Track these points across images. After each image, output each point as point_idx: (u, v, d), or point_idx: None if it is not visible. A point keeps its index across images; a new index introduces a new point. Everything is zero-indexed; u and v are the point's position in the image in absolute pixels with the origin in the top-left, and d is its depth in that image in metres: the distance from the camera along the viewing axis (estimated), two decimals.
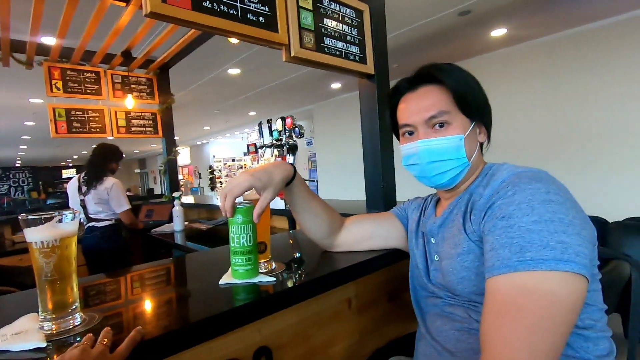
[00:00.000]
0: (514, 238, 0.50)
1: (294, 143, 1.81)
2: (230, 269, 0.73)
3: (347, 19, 1.27)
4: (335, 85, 6.60)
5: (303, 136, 1.78)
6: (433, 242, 0.73)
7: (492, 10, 3.66)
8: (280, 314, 0.70)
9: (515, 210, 0.52)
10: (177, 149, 3.11)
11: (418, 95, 0.71)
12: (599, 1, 3.70)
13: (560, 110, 4.57)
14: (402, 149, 0.75)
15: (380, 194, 1.39)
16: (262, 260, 0.74)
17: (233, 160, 13.05)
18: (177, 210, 2.46)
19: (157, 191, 13.32)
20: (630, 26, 4.04)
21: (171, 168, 3.20)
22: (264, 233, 0.74)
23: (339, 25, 1.24)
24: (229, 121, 9.62)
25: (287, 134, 1.79)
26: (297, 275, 0.77)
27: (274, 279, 0.69)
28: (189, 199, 3.66)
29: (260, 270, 0.73)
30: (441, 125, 0.68)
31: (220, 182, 12.51)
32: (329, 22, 1.21)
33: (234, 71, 5.11)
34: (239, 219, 0.69)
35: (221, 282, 0.68)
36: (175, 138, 3.29)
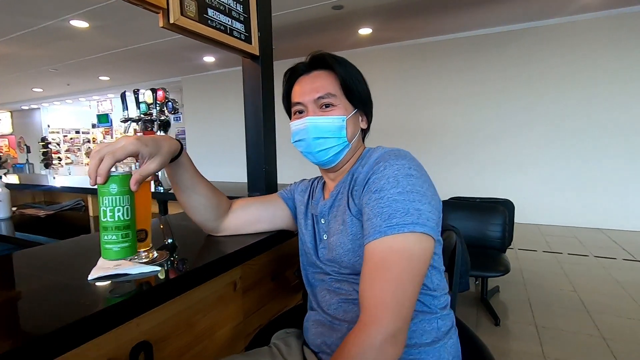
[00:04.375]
0: (383, 207, 0.61)
1: (166, 119, 1.64)
2: (98, 262, 0.64)
3: None
4: (209, 59, 6.17)
5: (177, 112, 1.63)
6: (323, 222, 0.80)
7: (361, 9, 4.01)
8: (163, 305, 0.66)
9: (385, 183, 0.63)
10: None
11: (311, 77, 0.77)
12: (439, 20, 4.47)
13: (408, 108, 5.42)
14: (292, 125, 0.79)
15: (262, 177, 1.41)
16: (143, 249, 0.66)
17: (77, 132, 10.87)
18: (0, 193, 1.94)
19: None
20: (463, 44, 5.02)
21: None
22: (145, 219, 0.66)
23: None
24: (70, 84, 7.92)
25: (158, 108, 1.61)
26: (182, 263, 0.72)
27: (158, 268, 0.64)
28: (11, 179, 2.92)
29: (140, 261, 0.66)
30: (327, 106, 0.75)
31: (59, 158, 10.31)
32: None
33: (80, 24, 4.21)
34: (113, 189, 0.58)
35: (91, 276, 0.59)
36: None
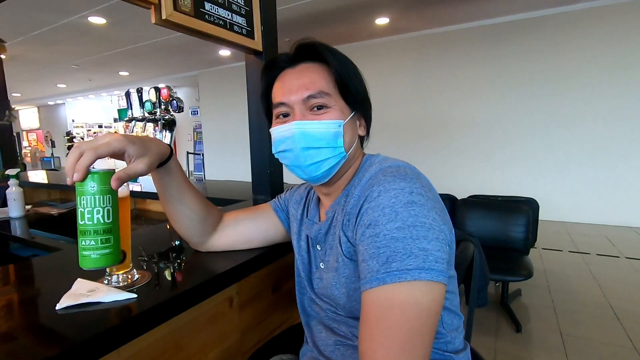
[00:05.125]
0: (380, 248, 0.50)
1: (171, 118, 1.59)
2: (73, 286, 0.59)
3: None
4: (224, 53, 6.15)
5: (182, 110, 1.58)
6: (319, 249, 0.69)
7: None
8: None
9: (380, 216, 0.51)
10: (15, 110, 2.44)
11: (297, 71, 0.63)
12: (460, 7, 4.25)
13: (428, 101, 5.23)
14: (273, 132, 0.65)
15: (267, 179, 1.34)
16: (121, 272, 0.61)
17: (100, 126, 11.15)
18: (13, 192, 1.95)
19: None
20: (486, 33, 4.78)
21: (4, 137, 2.51)
22: (124, 238, 0.60)
23: None
24: (92, 80, 8.09)
25: (162, 106, 1.56)
26: (166, 286, 0.66)
27: (134, 295, 0.58)
28: (39, 174, 2.97)
29: (117, 285, 0.60)
30: (319, 107, 0.61)
31: None
32: None
33: (98, 20, 4.24)
34: (92, 187, 0.53)
35: (59, 306, 0.54)
36: (15, 94, 2.57)
